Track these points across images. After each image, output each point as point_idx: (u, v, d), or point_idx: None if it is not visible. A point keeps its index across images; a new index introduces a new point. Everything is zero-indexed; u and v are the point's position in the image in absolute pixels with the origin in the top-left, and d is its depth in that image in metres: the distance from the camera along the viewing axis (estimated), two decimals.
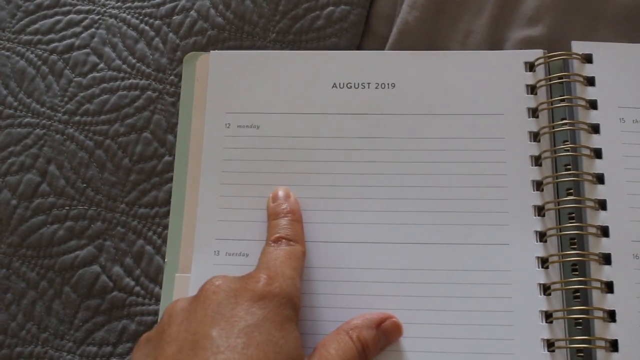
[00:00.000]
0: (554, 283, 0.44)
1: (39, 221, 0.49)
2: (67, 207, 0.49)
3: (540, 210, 0.45)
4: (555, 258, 0.44)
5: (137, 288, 0.47)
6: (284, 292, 0.38)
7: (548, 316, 0.43)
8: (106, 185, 0.49)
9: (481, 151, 0.47)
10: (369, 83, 0.48)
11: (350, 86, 0.48)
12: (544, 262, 0.44)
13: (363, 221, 0.46)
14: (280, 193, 0.45)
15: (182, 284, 0.46)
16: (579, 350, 0.42)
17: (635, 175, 0.45)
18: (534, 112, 0.47)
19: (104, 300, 0.47)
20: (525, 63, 0.48)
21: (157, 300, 0.47)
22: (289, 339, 0.36)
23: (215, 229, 0.46)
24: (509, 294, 0.44)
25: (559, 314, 0.43)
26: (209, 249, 0.46)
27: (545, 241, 0.45)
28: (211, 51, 0.50)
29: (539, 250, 0.44)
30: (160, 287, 0.47)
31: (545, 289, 0.44)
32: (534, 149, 0.46)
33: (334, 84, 0.49)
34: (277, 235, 0.42)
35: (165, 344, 0.35)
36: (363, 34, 0.52)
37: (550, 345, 0.43)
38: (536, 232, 0.45)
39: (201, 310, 0.36)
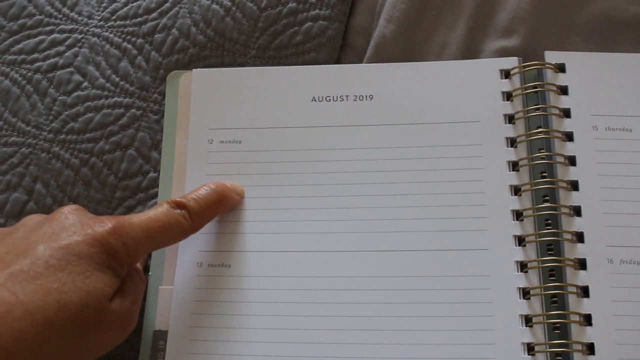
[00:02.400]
0: (533, 288, 0.45)
1: None
2: None
3: (518, 216, 0.46)
4: (534, 263, 0.45)
5: None
6: (112, 249, 0.39)
7: (528, 320, 0.44)
8: (92, 202, 0.50)
9: (459, 158, 0.48)
10: (347, 95, 0.50)
11: (330, 99, 0.50)
12: (523, 266, 0.45)
13: (348, 230, 0.47)
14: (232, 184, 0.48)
15: (165, 296, 0.47)
16: (557, 353, 0.43)
17: (608, 182, 0.46)
18: (510, 119, 0.48)
19: None
20: (501, 71, 0.49)
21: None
22: (90, 284, 0.37)
23: (198, 241, 0.47)
24: (490, 298, 0.45)
25: (539, 318, 0.44)
26: (192, 260, 0.47)
27: (524, 245, 0.46)
28: (193, 70, 0.51)
29: (518, 254, 0.46)
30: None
31: (525, 293, 0.45)
32: (511, 154, 0.47)
33: (314, 97, 0.50)
34: (175, 199, 0.44)
35: (2, 244, 0.38)
36: (341, 48, 0.53)
37: (530, 349, 0.44)
38: (515, 236, 0.46)
39: (47, 226, 0.39)
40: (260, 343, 0.45)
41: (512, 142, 0.48)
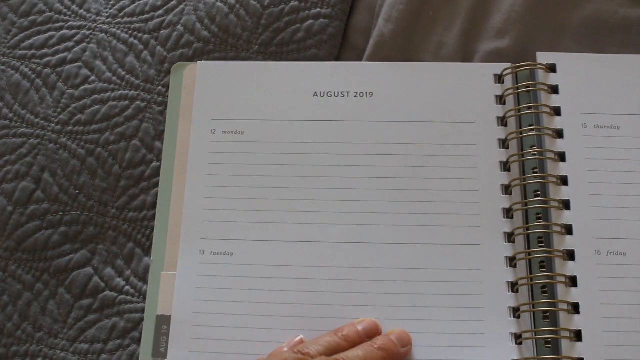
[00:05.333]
0: (521, 279, 0.46)
1: (34, 226, 0.51)
2: (61, 213, 0.51)
3: (508, 213, 0.48)
4: (522, 256, 0.47)
5: (127, 287, 0.50)
6: None
7: (516, 311, 0.46)
8: (97, 191, 0.52)
9: (454, 157, 0.49)
10: (348, 92, 0.51)
11: (331, 95, 0.51)
12: (512, 261, 0.47)
13: (345, 222, 0.49)
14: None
15: (167, 281, 0.48)
16: (546, 341, 0.45)
17: (597, 177, 0.48)
18: (502, 121, 0.50)
19: (95, 299, 0.49)
20: (495, 75, 0.51)
21: (145, 297, 0.49)
22: None
23: (200, 229, 0.49)
24: (480, 291, 0.47)
25: (526, 308, 0.46)
26: (195, 248, 0.49)
27: (514, 241, 0.47)
28: (198, 62, 0.53)
29: (508, 250, 0.47)
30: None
31: (513, 286, 0.47)
32: (503, 155, 0.49)
33: (315, 92, 0.51)
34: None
35: None
36: (341, 46, 0.55)
37: (517, 337, 0.45)
38: (505, 233, 0.48)
39: None
40: (262, 330, 0.47)
41: (504, 143, 0.50)
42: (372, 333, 0.45)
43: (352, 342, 0.44)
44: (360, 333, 0.45)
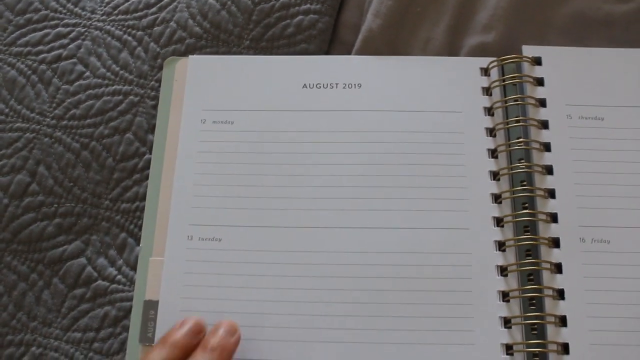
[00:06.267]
0: (510, 265, 0.47)
1: (29, 218, 0.52)
2: (56, 205, 0.52)
3: (497, 199, 0.49)
4: (511, 242, 0.47)
5: (119, 276, 0.50)
6: None
7: (505, 295, 0.47)
8: (91, 183, 0.52)
9: (442, 144, 0.50)
10: (337, 83, 0.52)
11: (320, 86, 0.52)
12: (501, 245, 0.48)
13: (334, 207, 0.49)
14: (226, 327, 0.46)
15: (155, 267, 0.49)
16: (532, 327, 0.45)
17: (581, 167, 0.49)
18: (489, 111, 0.51)
19: (88, 289, 0.50)
20: (481, 68, 0.52)
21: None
22: None
23: (188, 215, 0.50)
24: (469, 274, 0.47)
25: (515, 293, 0.46)
26: (183, 233, 0.49)
27: (502, 226, 0.48)
28: (190, 56, 0.54)
29: (497, 234, 0.48)
30: None
31: (503, 271, 0.47)
32: (490, 143, 0.50)
33: (305, 84, 0.52)
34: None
35: None
36: (331, 42, 0.56)
37: (507, 322, 0.46)
38: (494, 218, 0.48)
39: None
40: (249, 314, 0.47)
41: (491, 132, 0.50)
42: (198, 332, 0.45)
43: (182, 348, 0.44)
44: (187, 335, 0.44)
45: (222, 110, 0.52)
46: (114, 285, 0.50)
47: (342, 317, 0.47)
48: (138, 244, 0.51)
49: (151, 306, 0.48)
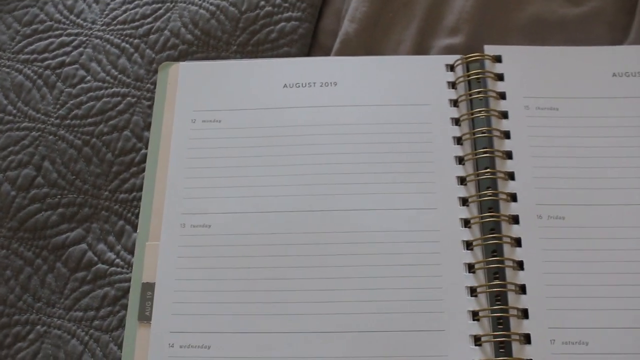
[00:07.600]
0: (475, 239, 0.51)
1: (34, 208, 0.57)
2: (59, 196, 0.57)
3: (462, 181, 0.54)
4: (476, 219, 0.52)
5: (118, 260, 0.55)
6: None
7: (471, 267, 0.51)
8: (92, 176, 0.57)
9: (411, 134, 0.55)
10: (314, 82, 0.57)
11: (299, 85, 0.57)
12: (467, 222, 0.52)
13: (314, 193, 0.54)
14: None
15: (152, 251, 0.53)
16: (496, 295, 0.50)
17: (538, 152, 0.54)
18: (455, 103, 0.56)
19: (89, 272, 0.55)
20: (447, 65, 0.57)
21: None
22: None
23: (181, 205, 0.54)
24: (438, 249, 0.52)
25: (480, 265, 0.51)
26: (176, 221, 0.54)
27: (468, 205, 0.53)
28: (181, 62, 0.59)
29: (463, 212, 0.53)
30: None
31: (468, 245, 0.52)
32: (456, 131, 0.55)
33: (285, 84, 0.57)
34: None
35: None
36: (311, 46, 0.61)
37: (473, 291, 0.51)
38: (460, 198, 0.53)
39: None
40: (238, 292, 0.52)
41: (457, 122, 0.55)
42: None
43: None
44: None
45: (210, 110, 0.57)
46: (113, 268, 0.55)
47: (326, 291, 0.51)
48: (135, 231, 0.55)
49: (148, 288, 0.52)
